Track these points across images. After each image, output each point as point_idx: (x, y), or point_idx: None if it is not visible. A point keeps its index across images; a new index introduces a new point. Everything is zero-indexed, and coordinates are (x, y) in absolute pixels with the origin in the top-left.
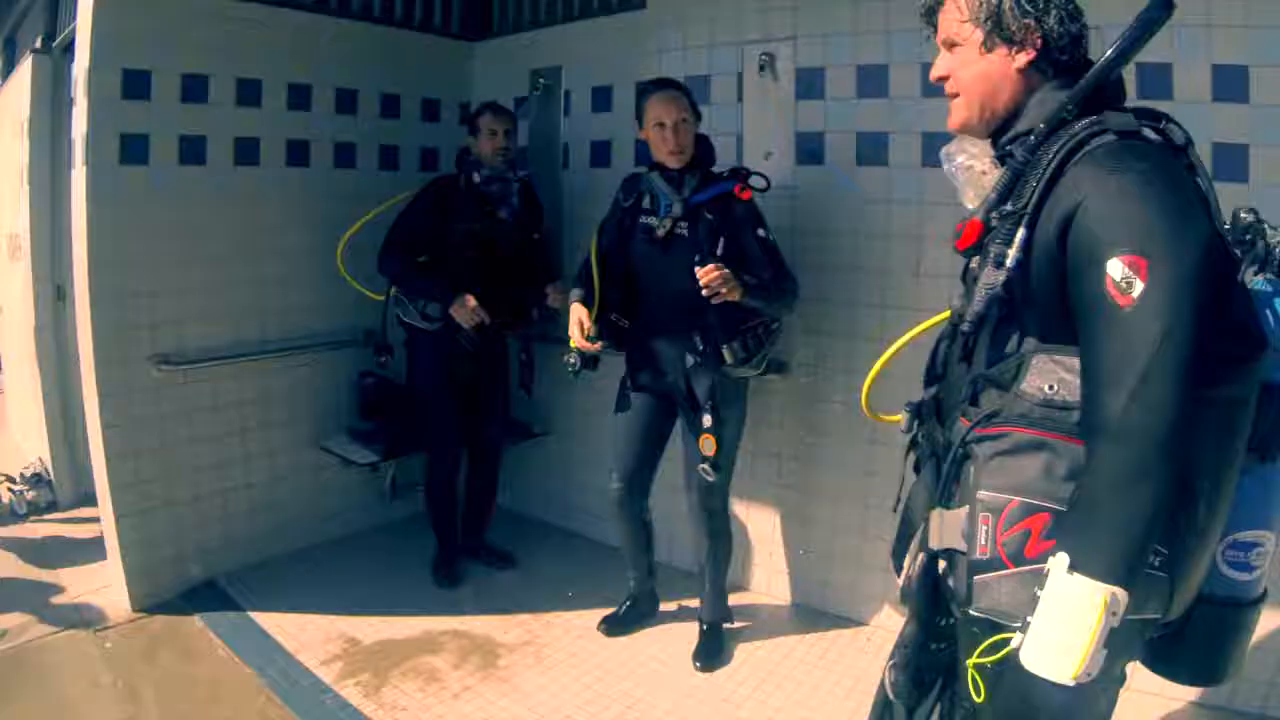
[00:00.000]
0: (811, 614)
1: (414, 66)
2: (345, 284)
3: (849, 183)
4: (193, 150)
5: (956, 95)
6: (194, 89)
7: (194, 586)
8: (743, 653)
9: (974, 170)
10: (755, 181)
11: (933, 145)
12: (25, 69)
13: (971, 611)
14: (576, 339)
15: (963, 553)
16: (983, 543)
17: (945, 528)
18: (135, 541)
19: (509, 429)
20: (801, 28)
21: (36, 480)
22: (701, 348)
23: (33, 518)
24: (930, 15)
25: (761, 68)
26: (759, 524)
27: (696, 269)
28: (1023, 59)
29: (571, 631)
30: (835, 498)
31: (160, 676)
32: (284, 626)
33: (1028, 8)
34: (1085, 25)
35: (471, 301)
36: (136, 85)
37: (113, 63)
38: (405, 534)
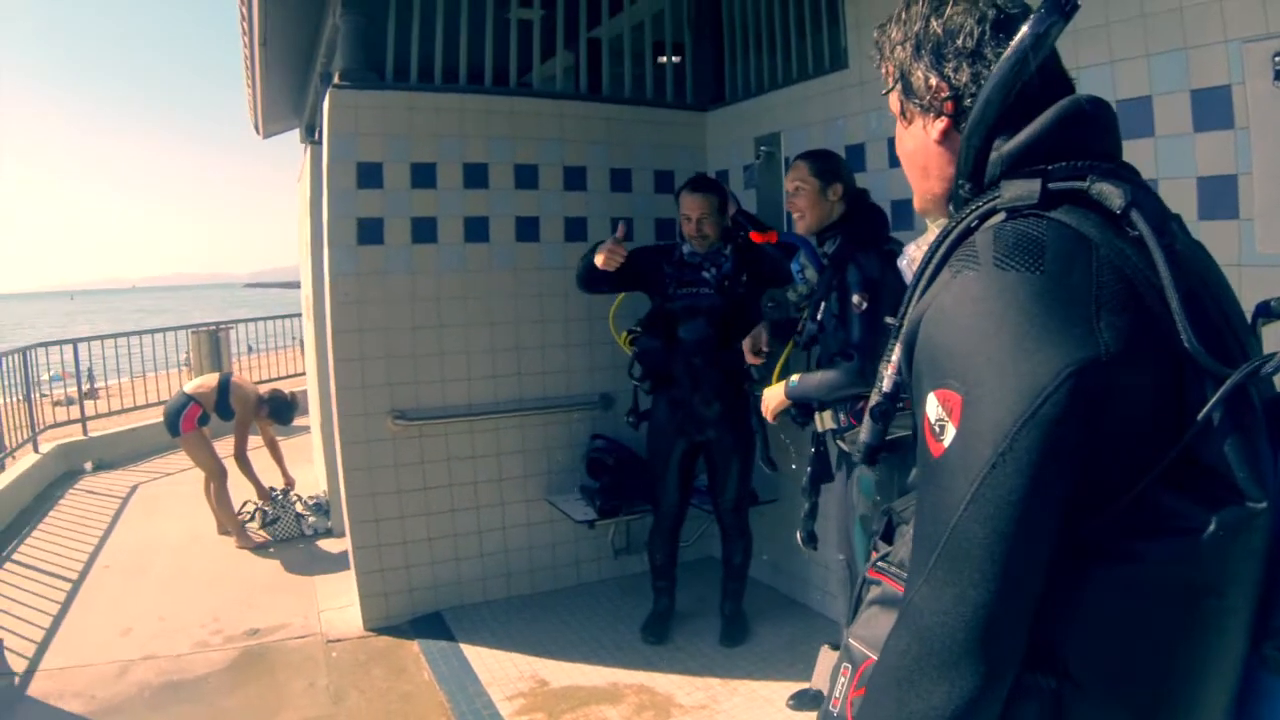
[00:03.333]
0: None
1: (645, 140)
2: (578, 350)
3: None
4: (424, 229)
5: None
6: (423, 176)
7: (421, 615)
8: None
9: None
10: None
11: None
12: (306, 157)
13: None
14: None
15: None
16: (837, 695)
17: (822, 665)
18: (370, 570)
19: (741, 497)
20: None
21: (317, 508)
22: None
23: (316, 541)
24: None
25: None
26: None
27: None
28: (936, 130)
29: (755, 701)
30: None
31: (366, 687)
32: (485, 660)
33: (931, 62)
34: None
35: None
36: (370, 176)
37: (348, 157)
38: (629, 590)
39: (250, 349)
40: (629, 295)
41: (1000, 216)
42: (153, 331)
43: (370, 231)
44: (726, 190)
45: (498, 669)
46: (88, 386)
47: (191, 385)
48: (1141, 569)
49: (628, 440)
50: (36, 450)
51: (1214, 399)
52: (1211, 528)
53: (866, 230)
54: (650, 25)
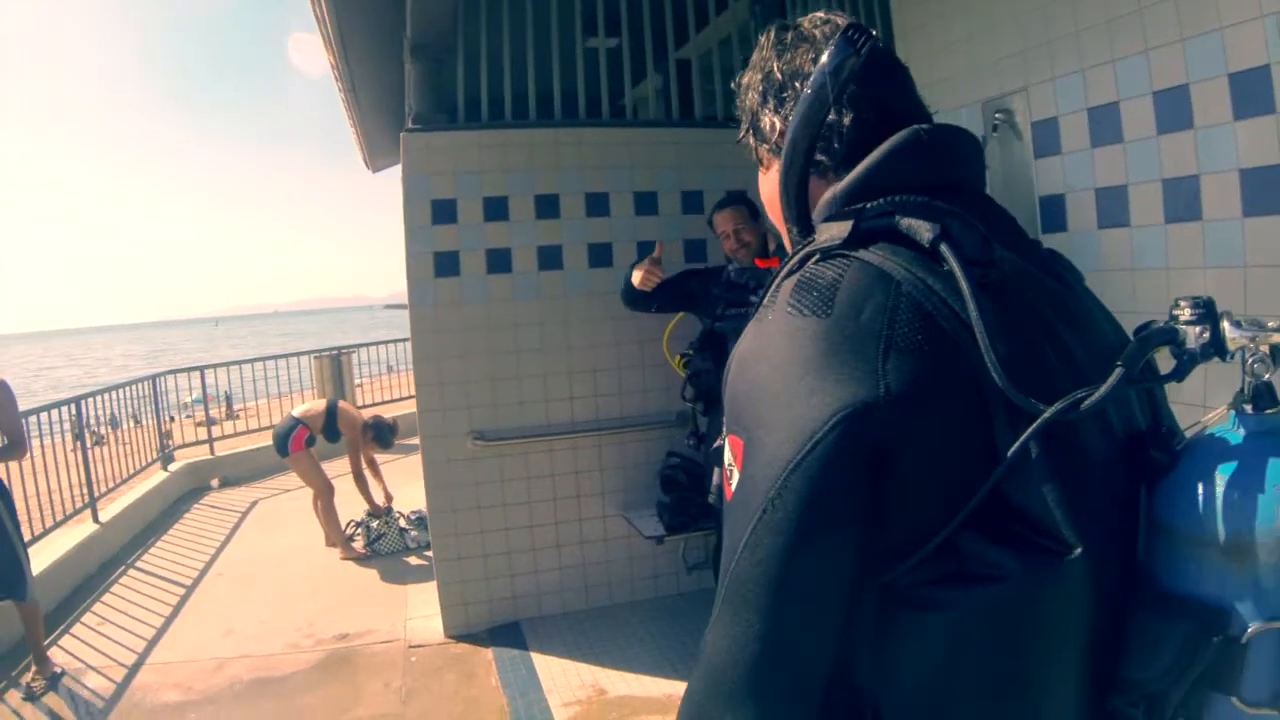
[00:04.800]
0: None
1: (713, 161)
2: (653, 370)
3: None
4: (499, 260)
5: None
6: (495, 209)
7: (500, 625)
8: None
9: None
10: None
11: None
12: None
13: None
14: None
15: None
16: None
17: None
18: (451, 581)
19: None
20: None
21: (420, 522)
22: None
23: (418, 553)
24: None
25: (995, 128)
26: None
27: None
28: (775, 172)
29: None
30: None
31: (437, 690)
32: (552, 668)
33: (774, 105)
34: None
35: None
36: (444, 212)
37: (423, 196)
38: (704, 604)
39: (389, 368)
40: (686, 317)
41: (814, 259)
42: (277, 357)
43: (446, 264)
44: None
45: (561, 677)
46: (225, 409)
47: (300, 409)
48: (955, 617)
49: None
50: (166, 469)
51: (1022, 438)
52: (1024, 576)
53: None
54: (737, 40)
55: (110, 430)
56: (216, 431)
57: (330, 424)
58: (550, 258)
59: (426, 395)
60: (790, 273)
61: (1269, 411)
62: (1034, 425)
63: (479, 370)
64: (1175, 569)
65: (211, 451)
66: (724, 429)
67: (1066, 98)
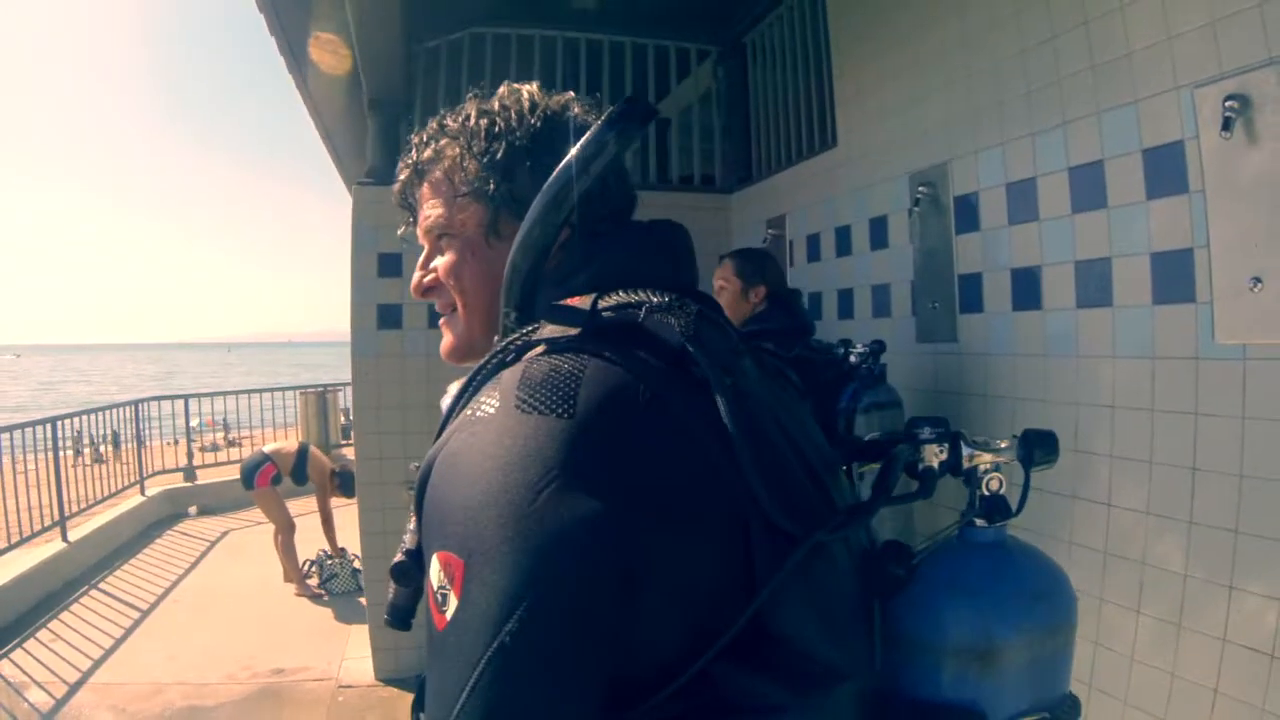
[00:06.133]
0: None
1: (680, 221)
2: None
3: None
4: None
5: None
6: None
7: None
8: None
9: None
10: None
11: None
12: None
13: None
14: None
15: None
16: None
17: None
18: (382, 625)
19: None
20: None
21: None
22: None
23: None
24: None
25: (917, 201)
26: None
27: None
28: (488, 249)
29: None
30: None
31: None
32: None
33: (501, 169)
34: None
35: None
36: (390, 265)
37: (370, 249)
38: None
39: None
40: None
41: (539, 350)
42: (261, 390)
43: (389, 317)
44: None
45: None
46: (224, 435)
47: (271, 447)
48: None
49: None
50: (143, 493)
51: (789, 563)
52: (797, 706)
53: (753, 332)
54: (698, 108)
55: (112, 450)
56: (213, 458)
57: (300, 467)
58: None
59: (364, 443)
60: (503, 364)
61: (1001, 524)
62: (802, 548)
63: (416, 422)
64: (923, 679)
65: (189, 480)
66: (426, 542)
67: (987, 171)
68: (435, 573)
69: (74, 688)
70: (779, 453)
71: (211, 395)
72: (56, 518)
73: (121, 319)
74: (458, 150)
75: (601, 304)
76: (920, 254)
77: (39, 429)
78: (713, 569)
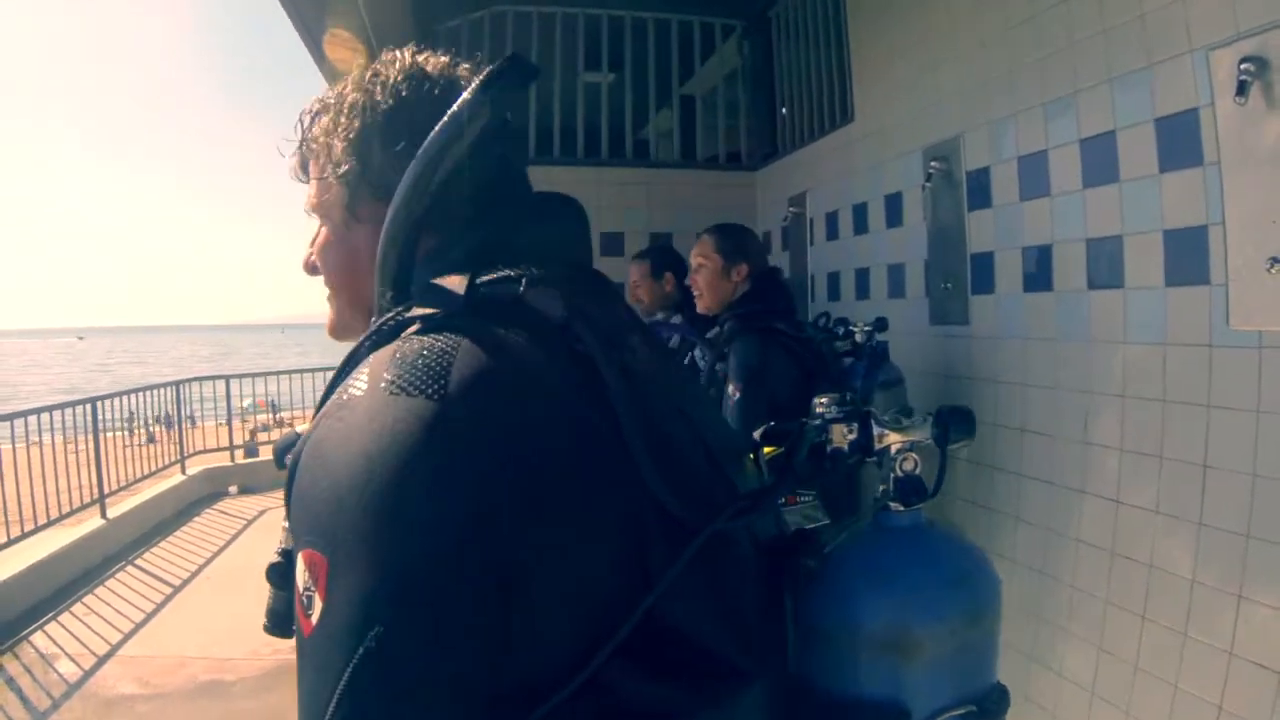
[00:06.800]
0: None
1: (703, 203)
2: None
3: None
4: None
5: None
6: None
7: None
8: None
9: None
10: None
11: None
12: None
13: None
14: None
15: None
16: None
17: None
18: None
19: None
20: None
21: None
22: None
23: None
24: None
25: (929, 177)
26: None
27: None
28: (365, 225)
29: None
30: None
31: None
32: None
33: (375, 139)
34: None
35: None
36: None
37: None
38: None
39: None
40: None
41: (412, 329)
42: (304, 371)
43: None
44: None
45: None
46: (272, 416)
47: (304, 426)
48: None
49: None
50: (184, 472)
51: (686, 553)
52: (697, 710)
53: (756, 311)
54: (724, 86)
55: (164, 429)
56: (228, 439)
57: None
58: None
59: None
60: (376, 344)
61: (917, 506)
62: (699, 538)
63: None
64: (841, 675)
65: (231, 459)
66: (292, 538)
67: (999, 145)
68: (300, 573)
69: (102, 660)
70: (674, 436)
71: (253, 376)
72: (96, 496)
73: (181, 301)
74: (327, 127)
75: (480, 279)
76: (933, 232)
77: (78, 409)
78: (603, 562)
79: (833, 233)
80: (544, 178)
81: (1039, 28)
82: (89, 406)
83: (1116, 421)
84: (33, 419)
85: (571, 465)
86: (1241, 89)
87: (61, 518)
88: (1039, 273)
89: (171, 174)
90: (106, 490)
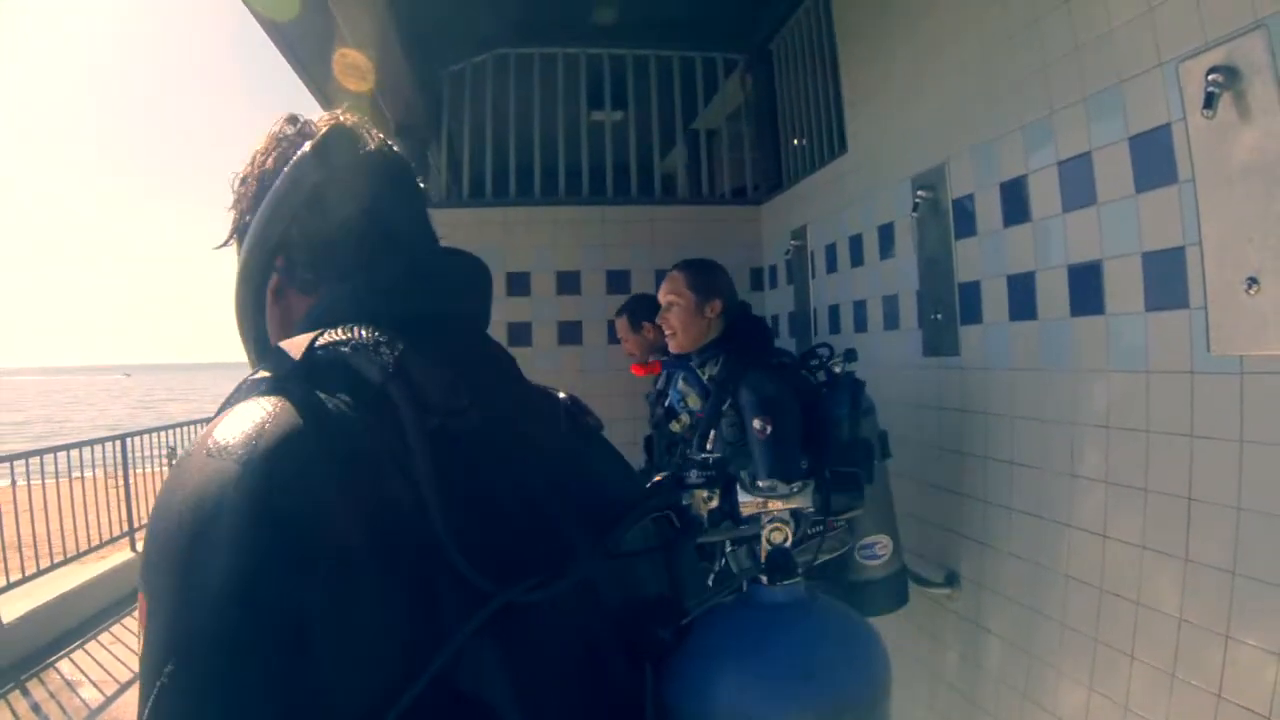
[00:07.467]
0: None
1: (704, 237)
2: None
3: None
4: (519, 334)
5: None
6: (517, 284)
7: None
8: None
9: None
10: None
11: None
12: None
13: None
14: None
15: None
16: None
17: None
18: None
19: None
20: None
21: None
22: None
23: None
24: None
25: (915, 206)
26: None
27: None
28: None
29: None
30: None
31: None
32: None
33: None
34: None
35: None
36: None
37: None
38: None
39: None
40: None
41: (252, 389)
42: None
43: (519, 335)
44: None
45: None
46: None
47: None
48: None
49: None
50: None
51: (473, 623)
52: None
53: (748, 346)
54: (726, 124)
55: None
56: None
57: None
58: (519, 334)
59: None
60: (229, 403)
61: (786, 583)
62: (487, 609)
63: None
64: None
65: None
66: None
67: (981, 171)
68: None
69: (124, 686)
70: (492, 500)
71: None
72: (126, 529)
73: (225, 339)
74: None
75: (321, 342)
76: (923, 262)
77: (107, 445)
78: (398, 622)
79: (831, 265)
80: (548, 217)
81: (1014, 48)
82: (118, 443)
83: (1102, 453)
84: (74, 453)
85: (365, 527)
86: (1209, 101)
87: (91, 550)
88: (1024, 300)
89: (220, 212)
90: (136, 524)
